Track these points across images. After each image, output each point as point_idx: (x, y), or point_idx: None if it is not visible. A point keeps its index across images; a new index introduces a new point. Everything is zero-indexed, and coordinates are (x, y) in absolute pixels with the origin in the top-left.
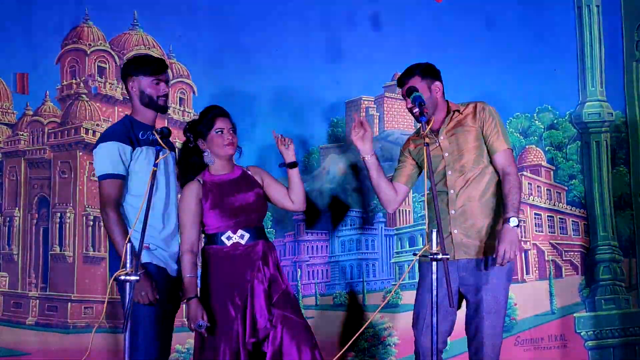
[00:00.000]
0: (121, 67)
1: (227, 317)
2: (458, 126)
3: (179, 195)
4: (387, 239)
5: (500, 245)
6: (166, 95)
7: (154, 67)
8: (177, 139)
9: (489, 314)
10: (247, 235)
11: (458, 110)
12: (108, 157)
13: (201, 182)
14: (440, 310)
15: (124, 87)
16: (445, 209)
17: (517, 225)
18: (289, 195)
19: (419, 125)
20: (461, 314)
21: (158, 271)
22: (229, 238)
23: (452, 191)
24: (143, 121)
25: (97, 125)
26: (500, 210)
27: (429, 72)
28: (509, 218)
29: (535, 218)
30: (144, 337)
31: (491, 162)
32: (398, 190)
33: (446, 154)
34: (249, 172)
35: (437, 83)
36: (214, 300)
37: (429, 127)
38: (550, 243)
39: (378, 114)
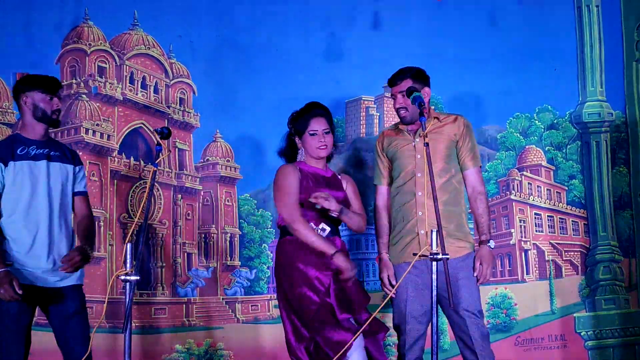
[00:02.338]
0: (13, 86)
1: (310, 303)
2: (435, 133)
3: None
4: None
5: (484, 267)
6: (59, 111)
7: (48, 85)
8: (177, 139)
9: (467, 310)
10: (327, 230)
11: (437, 118)
12: None
13: (297, 168)
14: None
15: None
16: (412, 211)
17: (493, 247)
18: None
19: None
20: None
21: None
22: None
23: (419, 193)
24: (29, 136)
25: (97, 125)
26: (460, 217)
27: (420, 77)
28: (489, 240)
29: (535, 218)
30: (4, 334)
31: (462, 176)
32: (386, 194)
33: (418, 156)
34: (339, 177)
35: (427, 89)
36: (296, 287)
37: (427, 129)
38: (550, 243)
39: (378, 114)
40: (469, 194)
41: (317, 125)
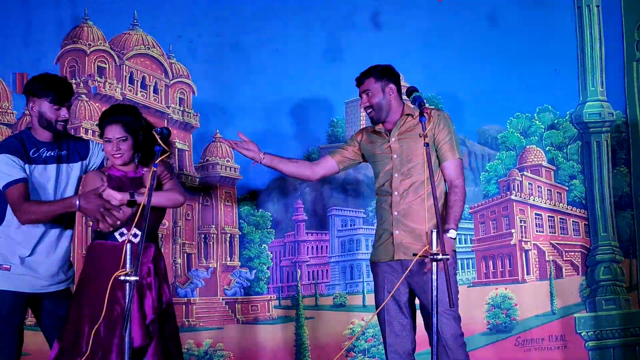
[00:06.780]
0: (26, 83)
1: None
2: (409, 130)
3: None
4: None
5: None
6: (65, 121)
7: (58, 96)
8: (177, 139)
9: (445, 312)
10: (139, 234)
11: (411, 115)
12: (3, 167)
13: (104, 173)
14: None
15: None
16: (388, 210)
17: (455, 238)
18: None
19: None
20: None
21: (4, 297)
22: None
23: (395, 193)
24: (39, 138)
25: (97, 125)
26: (443, 215)
27: (385, 74)
28: (449, 229)
29: (536, 218)
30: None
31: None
32: (324, 164)
33: (394, 156)
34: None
35: (392, 85)
36: None
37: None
38: (550, 243)
39: None
40: (447, 186)
41: (111, 132)
